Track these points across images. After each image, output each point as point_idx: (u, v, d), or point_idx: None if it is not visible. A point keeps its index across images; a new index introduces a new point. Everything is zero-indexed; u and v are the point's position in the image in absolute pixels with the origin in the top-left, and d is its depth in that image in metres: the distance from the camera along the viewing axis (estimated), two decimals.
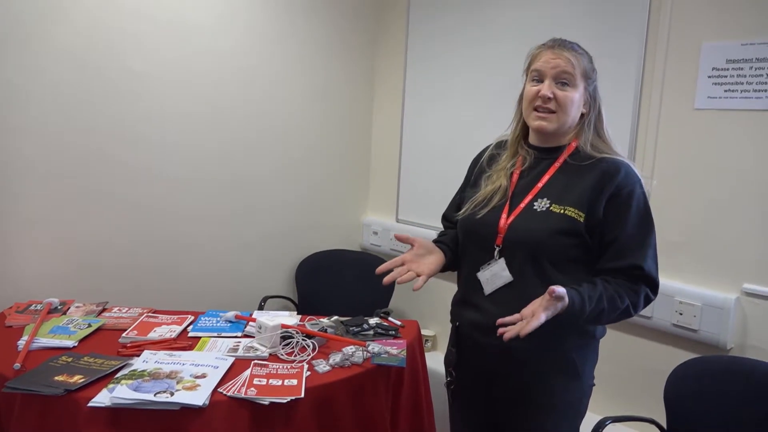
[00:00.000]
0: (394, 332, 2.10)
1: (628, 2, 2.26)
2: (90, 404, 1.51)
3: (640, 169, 2.23)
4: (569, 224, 1.41)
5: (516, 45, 2.28)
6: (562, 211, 1.42)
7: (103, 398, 1.53)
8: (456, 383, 1.65)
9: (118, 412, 1.52)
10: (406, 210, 3.19)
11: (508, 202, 1.51)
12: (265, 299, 2.89)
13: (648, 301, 1.44)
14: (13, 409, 1.59)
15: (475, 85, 2.79)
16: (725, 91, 2.02)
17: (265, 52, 2.86)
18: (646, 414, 1.95)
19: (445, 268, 1.60)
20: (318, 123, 3.13)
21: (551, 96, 1.45)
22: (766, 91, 1.94)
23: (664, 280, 2.18)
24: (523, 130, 1.58)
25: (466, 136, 2.83)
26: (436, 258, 1.56)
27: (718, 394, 1.80)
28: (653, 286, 1.43)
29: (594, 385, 1.58)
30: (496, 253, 1.47)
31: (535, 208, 1.46)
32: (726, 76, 2.02)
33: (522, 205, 1.48)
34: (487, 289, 1.50)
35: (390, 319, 2.24)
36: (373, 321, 2.18)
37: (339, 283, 3.08)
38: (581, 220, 1.40)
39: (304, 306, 2.99)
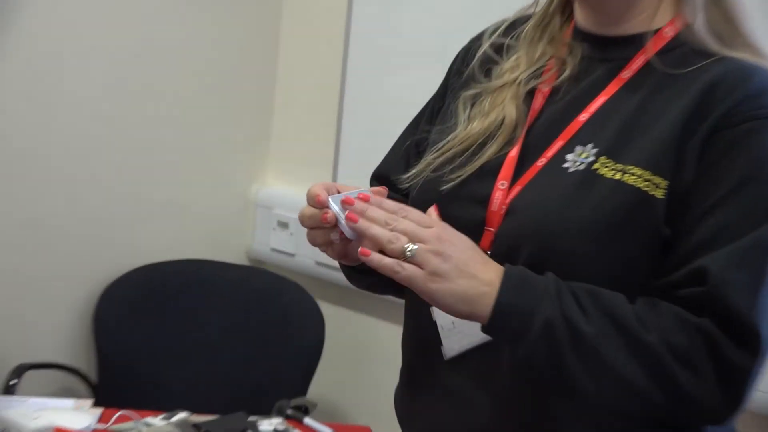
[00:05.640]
0: None
1: None
2: None
3: None
4: (632, 204, 0.86)
5: None
6: (619, 176, 0.88)
7: None
8: None
9: None
10: (347, 176, 2.15)
11: (516, 156, 0.95)
12: (19, 371, 1.87)
13: (724, 360, 0.78)
14: None
15: None
16: None
17: None
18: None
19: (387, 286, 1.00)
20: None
21: None
22: None
23: None
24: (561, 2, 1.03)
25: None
26: None
27: None
28: (742, 330, 0.78)
29: None
30: None
31: (566, 166, 0.92)
32: None
33: (542, 160, 0.93)
34: (450, 346, 0.96)
35: (309, 423, 1.54)
36: (269, 427, 1.50)
37: (196, 337, 2.02)
38: (659, 194, 0.85)
39: (110, 387, 1.96)
